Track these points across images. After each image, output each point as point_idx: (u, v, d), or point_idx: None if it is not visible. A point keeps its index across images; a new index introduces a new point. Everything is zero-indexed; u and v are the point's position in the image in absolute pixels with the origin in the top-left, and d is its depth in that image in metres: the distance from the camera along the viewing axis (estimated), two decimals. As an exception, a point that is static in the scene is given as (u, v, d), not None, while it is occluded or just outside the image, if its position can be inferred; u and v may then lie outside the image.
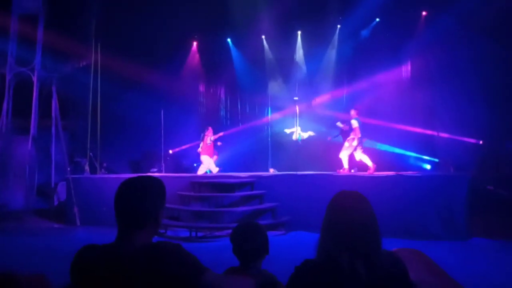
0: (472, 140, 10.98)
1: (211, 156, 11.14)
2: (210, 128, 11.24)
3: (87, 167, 11.72)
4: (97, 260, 1.53)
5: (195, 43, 14.95)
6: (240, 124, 15.06)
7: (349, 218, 1.50)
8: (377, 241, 1.49)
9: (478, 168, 9.93)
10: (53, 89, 11.26)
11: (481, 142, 10.97)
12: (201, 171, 11.09)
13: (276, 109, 14.30)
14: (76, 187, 10.05)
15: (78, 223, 9.73)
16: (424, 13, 12.36)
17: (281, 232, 8.14)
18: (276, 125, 13.77)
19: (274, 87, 14.54)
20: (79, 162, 12.45)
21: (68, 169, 11.06)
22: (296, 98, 12.05)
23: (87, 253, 1.58)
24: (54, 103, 11.26)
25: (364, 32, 13.31)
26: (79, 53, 12.05)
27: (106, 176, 11.01)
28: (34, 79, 11.08)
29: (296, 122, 11.53)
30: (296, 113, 11.48)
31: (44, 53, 11.24)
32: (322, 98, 13.57)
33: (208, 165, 11.05)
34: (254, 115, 14.92)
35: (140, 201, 1.61)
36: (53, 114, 11.33)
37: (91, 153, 11.96)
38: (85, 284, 1.54)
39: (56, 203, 11.34)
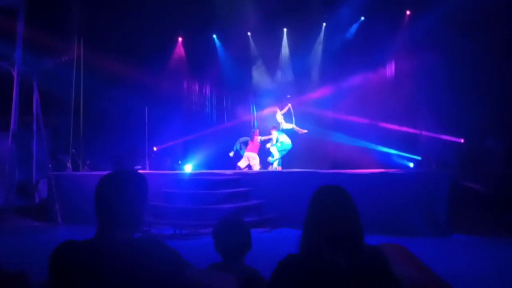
0: (454, 138, 11.19)
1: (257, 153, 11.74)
2: (257, 130, 11.93)
3: (69, 164, 11.52)
4: (76, 255, 1.50)
5: (180, 39, 14.83)
6: (225, 121, 15.02)
7: (331, 212, 1.50)
8: (359, 235, 1.50)
9: (460, 165, 10.11)
10: (34, 84, 11.02)
11: (462, 140, 11.18)
12: (242, 164, 11.62)
13: (261, 106, 14.29)
14: (58, 185, 9.88)
15: (60, 221, 9.57)
16: (408, 12, 12.52)
17: (267, 229, 8.15)
18: (262, 122, 13.77)
19: (260, 84, 14.54)
20: (61, 159, 12.23)
21: (50, 166, 10.86)
22: (288, 96, 12.21)
23: (66, 248, 1.54)
24: (35, 99, 11.02)
25: (349, 31, 13.41)
26: (61, 47, 11.80)
27: (89, 173, 10.85)
28: (14, 74, 10.81)
29: (293, 120, 11.79)
30: (291, 110, 11.74)
31: (24, 47, 10.96)
32: (308, 96, 13.62)
33: (254, 161, 11.54)
34: (240, 112, 14.89)
35: (121, 196, 1.58)
36: (34, 110, 11.10)
37: (73, 150, 11.77)
38: (64, 280, 1.51)
39: (37, 200, 11.13)
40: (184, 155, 14.05)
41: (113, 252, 1.48)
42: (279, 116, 11.87)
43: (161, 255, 1.49)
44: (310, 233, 1.52)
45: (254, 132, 11.88)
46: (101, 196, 1.60)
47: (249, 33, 14.31)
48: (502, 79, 10.13)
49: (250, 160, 11.57)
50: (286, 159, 11.71)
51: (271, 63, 14.30)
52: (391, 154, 12.21)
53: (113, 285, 1.45)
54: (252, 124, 14.31)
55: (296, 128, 11.79)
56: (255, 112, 14.51)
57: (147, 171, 11.60)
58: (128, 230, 1.59)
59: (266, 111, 13.76)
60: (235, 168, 11.32)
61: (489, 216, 7.65)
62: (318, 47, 13.85)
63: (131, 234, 1.60)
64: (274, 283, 1.52)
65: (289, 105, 11.98)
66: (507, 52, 10.05)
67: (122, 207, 1.57)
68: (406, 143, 12.01)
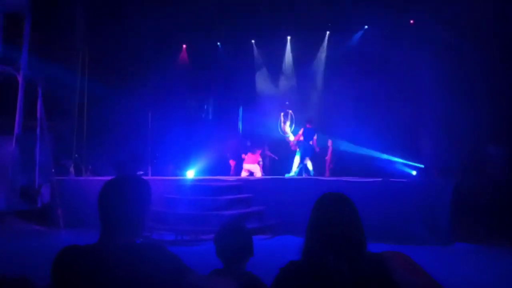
0: (457, 146, 11.15)
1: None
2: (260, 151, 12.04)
3: (72, 169, 11.55)
4: (79, 260, 1.50)
5: (184, 46, 14.91)
6: (228, 128, 15.03)
7: (334, 219, 1.50)
8: (361, 242, 1.50)
9: (462, 173, 10.07)
10: (39, 89, 11.08)
11: (465, 148, 11.14)
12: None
13: (264, 113, 14.30)
14: (61, 189, 9.90)
15: (62, 226, 9.56)
16: (411, 21, 12.56)
17: (268, 235, 8.12)
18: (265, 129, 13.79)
19: (263, 91, 14.57)
20: (64, 164, 12.26)
21: (53, 170, 10.89)
22: (287, 103, 12.26)
23: (69, 253, 1.55)
24: (40, 104, 11.07)
25: (353, 39, 13.45)
26: (67, 53, 11.89)
27: (91, 178, 10.86)
28: (20, 78, 10.89)
29: (290, 126, 11.88)
30: (291, 116, 11.81)
31: (30, 52, 11.05)
32: (311, 103, 13.63)
33: (255, 169, 11.67)
34: (243, 119, 14.91)
35: (124, 202, 1.58)
36: (38, 115, 11.14)
37: (76, 155, 11.80)
38: (66, 285, 1.51)
39: (39, 205, 11.14)
40: (186, 161, 14.06)
41: (115, 257, 1.48)
42: (286, 128, 11.98)
43: (162, 260, 1.50)
44: (312, 240, 1.52)
45: (262, 149, 11.94)
46: (104, 201, 1.60)
47: (253, 41, 14.38)
48: (506, 86, 10.11)
49: (251, 170, 11.60)
50: (287, 165, 11.69)
51: (275, 70, 14.35)
52: (394, 162, 12.19)
53: (115, 290, 1.45)
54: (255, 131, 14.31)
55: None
56: (258, 119, 14.42)
57: (149, 176, 11.61)
58: (130, 235, 1.59)
59: (270, 118, 13.78)
60: (238, 174, 11.35)
61: (491, 225, 7.61)
62: (322, 55, 13.91)
63: (133, 239, 1.60)
64: (275, 289, 1.52)
65: (290, 111, 12.05)
66: (511, 58, 10.05)
67: (125, 212, 1.58)
68: (408, 151, 11.99)
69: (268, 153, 12.01)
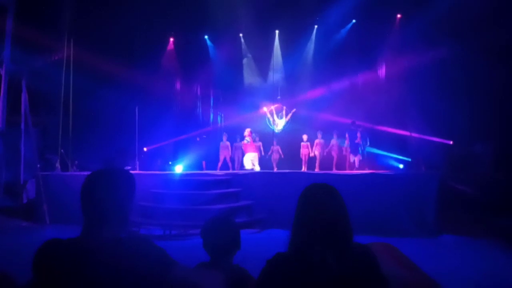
0: (443, 140, 11.29)
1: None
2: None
3: (58, 164, 11.40)
4: (61, 254, 1.47)
5: (171, 40, 14.77)
6: (216, 122, 14.99)
7: (319, 209, 1.49)
8: (348, 232, 1.49)
9: (448, 167, 10.20)
10: (23, 83, 10.87)
11: (451, 142, 11.29)
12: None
13: (253, 107, 14.28)
14: (46, 185, 9.77)
15: (48, 222, 9.46)
16: (399, 15, 12.63)
17: (257, 230, 8.13)
18: (253, 123, 13.77)
19: (251, 85, 14.54)
20: (50, 159, 12.08)
21: (38, 166, 10.72)
22: (279, 97, 12.31)
23: (50, 247, 1.51)
24: (24, 98, 10.87)
25: (341, 33, 13.49)
26: (52, 46, 11.68)
27: (77, 173, 10.73)
28: (2, 72, 10.66)
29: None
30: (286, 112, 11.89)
31: (14, 45, 10.81)
32: (299, 97, 13.65)
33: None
34: (230, 113, 14.86)
35: (107, 194, 1.55)
36: (22, 109, 10.94)
37: (62, 150, 11.64)
38: (48, 279, 1.47)
39: (25, 201, 10.97)
40: (174, 156, 13.98)
41: (99, 251, 1.45)
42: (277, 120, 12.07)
43: (147, 253, 1.47)
44: (298, 231, 1.51)
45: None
46: (87, 193, 1.57)
47: (240, 35, 14.31)
48: (493, 83, 10.24)
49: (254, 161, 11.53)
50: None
51: (263, 64, 14.32)
52: (382, 155, 12.29)
53: (99, 284, 1.42)
54: (242, 125, 14.28)
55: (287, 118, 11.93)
56: (246, 113, 14.38)
57: (137, 171, 11.51)
58: (114, 228, 1.56)
59: (258, 112, 13.78)
60: (226, 169, 11.32)
61: (476, 218, 7.73)
62: (310, 49, 13.92)
63: (117, 232, 1.57)
64: (262, 281, 1.51)
65: (279, 105, 12.11)
66: (498, 56, 10.16)
67: (108, 205, 1.54)
68: (396, 144, 12.10)
69: (275, 147, 11.93)
